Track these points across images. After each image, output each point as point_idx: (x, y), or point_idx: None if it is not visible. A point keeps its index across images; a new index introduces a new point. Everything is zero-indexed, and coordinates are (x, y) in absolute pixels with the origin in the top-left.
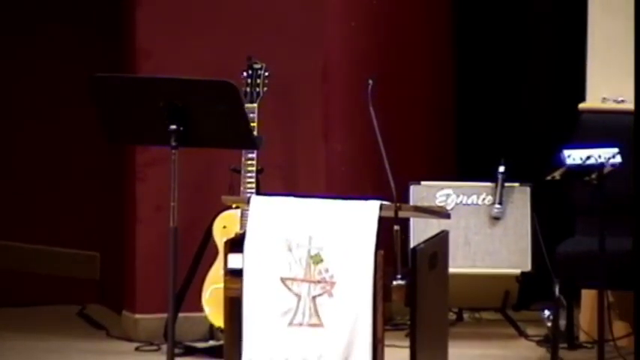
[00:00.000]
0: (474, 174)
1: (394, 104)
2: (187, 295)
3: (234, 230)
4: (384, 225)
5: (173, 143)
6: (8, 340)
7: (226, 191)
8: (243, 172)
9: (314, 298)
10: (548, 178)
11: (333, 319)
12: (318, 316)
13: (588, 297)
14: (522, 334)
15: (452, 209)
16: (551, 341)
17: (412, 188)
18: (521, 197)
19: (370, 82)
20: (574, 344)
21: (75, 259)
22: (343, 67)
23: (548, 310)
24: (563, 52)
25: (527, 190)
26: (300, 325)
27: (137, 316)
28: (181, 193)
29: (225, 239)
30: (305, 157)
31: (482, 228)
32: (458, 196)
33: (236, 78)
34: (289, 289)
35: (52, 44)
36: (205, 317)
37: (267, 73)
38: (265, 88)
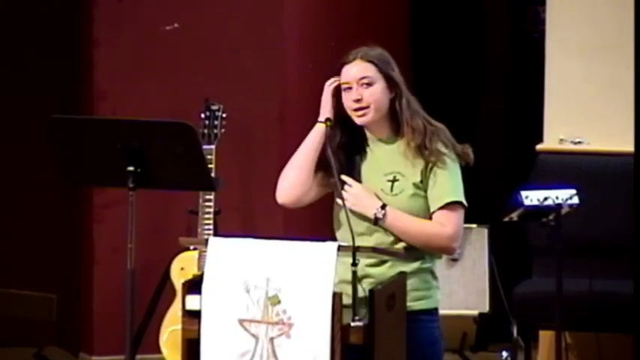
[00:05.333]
0: None
1: None
2: (145, 336)
3: (191, 272)
4: None
5: (130, 185)
6: None
7: (184, 233)
8: (200, 213)
9: (272, 339)
10: (506, 219)
11: None
12: (275, 357)
13: (546, 338)
14: None
15: None
16: None
17: None
18: (478, 238)
19: (328, 123)
20: None
21: (32, 301)
22: (300, 109)
23: (506, 351)
24: (521, 93)
25: (485, 231)
26: None
27: (94, 358)
28: (139, 235)
29: (182, 281)
30: (262, 199)
31: (440, 269)
32: None
33: (194, 119)
34: (247, 330)
35: (7, 85)
36: (163, 359)
37: (224, 115)
38: (223, 130)
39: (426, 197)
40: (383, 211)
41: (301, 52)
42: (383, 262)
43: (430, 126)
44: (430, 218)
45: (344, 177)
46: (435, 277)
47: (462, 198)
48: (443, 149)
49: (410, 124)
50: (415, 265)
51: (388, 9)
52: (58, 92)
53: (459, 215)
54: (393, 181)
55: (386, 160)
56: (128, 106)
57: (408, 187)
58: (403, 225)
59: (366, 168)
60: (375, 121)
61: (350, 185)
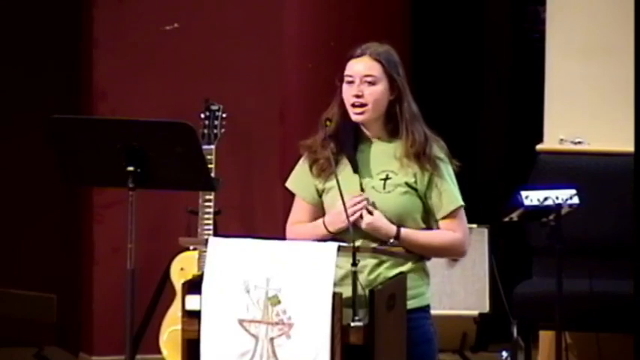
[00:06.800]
0: None
1: None
2: (145, 337)
3: (191, 272)
4: None
5: (130, 185)
6: None
7: (184, 233)
8: (200, 213)
9: (272, 339)
10: (506, 219)
11: None
12: (275, 357)
13: (546, 338)
14: None
15: None
16: None
17: None
18: (478, 239)
19: (328, 123)
20: None
21: (32, 301)
22: (300, 109)
23: (506, 351)
24: (521, 93)
25: (485, 231)
26: None
27: (94, 358)
28: (139, 235)
29: (182, 281)
30: (262, 199)
31: (440, 269)
32: None
33: (193, 119)
34: (247, 330)
35: (7, 85)
36: (163, 359)
37: (224, 115)
38: (223, 130)
39: (418, 197)
40: (396, 241)
41: (301, 52)
42: (380, 264)
43: (429, 133)
44: (427, 220)
45: (359, 198)
46: (427, 274)
47: (462, 201)
48: (439, 153)
49: (410, 128)
50: (410, 264)
51: (388, 9)
52: (58, 92)
53: (464, 218)
54: (386, 179)
55: (379, 158)
56: (128, 106)
57: (400, 185)
58: (418, 243)
59: (359, 165)
60: (371, 120)
61: (371, 213)
